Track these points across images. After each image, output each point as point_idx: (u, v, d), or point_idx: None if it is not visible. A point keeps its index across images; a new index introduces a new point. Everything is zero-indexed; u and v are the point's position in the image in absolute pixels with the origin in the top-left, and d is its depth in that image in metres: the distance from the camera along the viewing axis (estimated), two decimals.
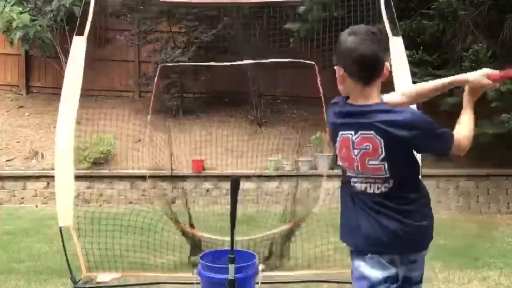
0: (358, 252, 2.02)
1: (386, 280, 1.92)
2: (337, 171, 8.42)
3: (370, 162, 1.92)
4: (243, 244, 4.69)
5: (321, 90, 4.74)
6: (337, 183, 7.39)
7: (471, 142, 1.99)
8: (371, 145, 1.89)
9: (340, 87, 2.02)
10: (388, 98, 2.06)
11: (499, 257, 5.34)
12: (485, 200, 8.25)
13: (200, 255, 3.64)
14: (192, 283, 3.62)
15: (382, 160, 1.89)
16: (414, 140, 1.87)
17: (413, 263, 1.98)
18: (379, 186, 1.94)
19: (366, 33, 1.91)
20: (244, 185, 7.99)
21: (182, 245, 4.87)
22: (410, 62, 7.90)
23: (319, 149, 8.43)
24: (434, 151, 2.31)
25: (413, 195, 1.96)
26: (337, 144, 2.01)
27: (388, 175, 1.92)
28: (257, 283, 3.42)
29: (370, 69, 1.92)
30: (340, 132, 1.98)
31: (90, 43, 4.39)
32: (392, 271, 1.92)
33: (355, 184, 1.98)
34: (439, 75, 8.08)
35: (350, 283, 4.43)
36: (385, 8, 4.48)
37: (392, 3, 4.41)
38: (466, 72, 2.13)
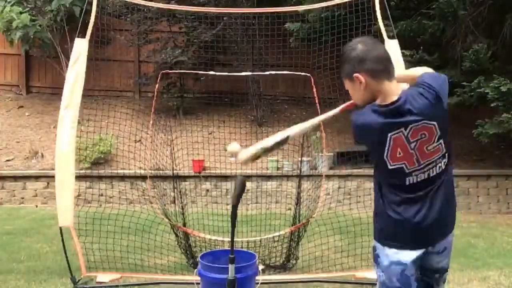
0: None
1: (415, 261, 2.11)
2: (337, 171, 8.40)
3: (429, 148, 2.00)
4: (243, 245, 4.70)
5: (317, 100, 4.78)
6: (337, 183, 7.41)
7: None
8: (426, 133, 1.98)
9: (362, 94, 2.05)
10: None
11: (499, 257, 5.34)
12: (485, 200, 8.26)
13: (200, 255, 3.64)
14: (192, 283, 3.63)
15: (439, 139, 2.00)
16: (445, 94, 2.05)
17: (445, 249, 2.17)
18: (440, 165, 2.04)
19: (371, 39, 2.09)
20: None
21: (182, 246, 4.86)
22: (410, 62, 7.94)
23: (319, 149, 8.43)
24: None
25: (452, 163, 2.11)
26: (388, 147, 1.99)
27: (445, 150, 2.04)
28: (257, 283, 3.42)
29: (389, 63, 2.04)
30: (389, 135, 1.98)
31: (90, 43, 4.40)
32: (419, 252, 2.10)
33: (417, 176, 2.02)
34: None
35: (350, 283, 4.45)
36: (380, 12, 4.47)
37: (387, 7, 4.39)
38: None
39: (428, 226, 2.02)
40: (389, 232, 2.09)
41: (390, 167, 2.01)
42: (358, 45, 2.01)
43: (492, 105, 7.36)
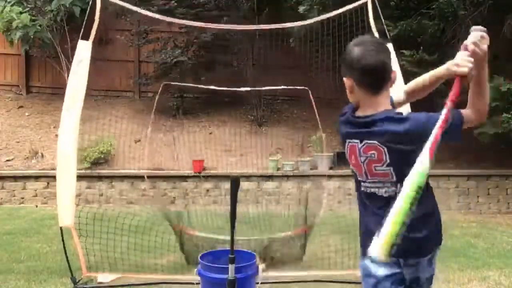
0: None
1: (390, 277, 1.95)
2: (337, 171, 8.40)
3: (377, 168, 1.96)
4: (243, 245, 4.69)
5: (316, 113, 4.80)
6: (337, 183, 7.43)
7: (485, 108, 2.00)
8: (376, 153, 1.94)
9: (350, 96, 2.05)
10: (395, 97, 2.13)
11: (499, 257, 5.34)
12: (485, 200, 8.26)
13: (200, 255, 3.64)
14: (192, 283, 3.63)
15: (388, 165, 1.94)
16: (419, 146, 1.81)
17: (417, 265, 2.00)
18: (387, 189, 1.98)
19: (372, 43, 1.97)
20: (244, 185, 7.99)
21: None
22: (410, 62, 7.96)
23: (319, 149, 8.44)
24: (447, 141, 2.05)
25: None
26: (346, 151, 2.06)
27: (395, 179, 1.94)
28: (257, 283, 3.42)
29: (379, 78, 1.96)
30: (347, 140, 2.03)
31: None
32: (396, 270, 1.95)
33: (366, 189, 2.04)
34: None
35: (350, 283, 4.45)
36: (375, 18, 4.45)
37: (380, 12, 4.38)
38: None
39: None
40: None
41: (351, 167, 2.08)
42: (355, 49, 1.95)
43: (492, 105, 7.36)
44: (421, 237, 1.97)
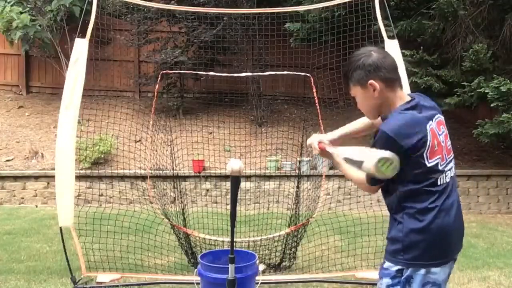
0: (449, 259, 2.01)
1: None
2: (337, 171, 8.40)
3: (448, 143, 2.04)
4: (243, 245, 4.69)
5: (316, 99, 4.80)
6: (337, 183, 7.41)
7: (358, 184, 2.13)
8: (443, 127, 2.03)
9: (371, 103, 2.05)
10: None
11: (499, 257, 5.34)
12: (485, 200, 8.26)
13: (200, 255, 3.64)
14: (192, 283, 3.62)
15: (449, 138, 2.08)
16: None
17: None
18: (453, 166, 2.06)
19: (380, 48, 2.13)
20: (244, 185, 7.99)
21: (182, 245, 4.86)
22: (410, 62, 7.96)
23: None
24: None
25: None
26: (429, 140, 1.93)
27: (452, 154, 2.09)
28: (257, 283, 3.42)
29: (399, 73, 2.09)
30: (427, 126, 1.95)
31: (90, 43, 4.39)
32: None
33: (445, 176, 1.97)
34: (439, 75, 8.10)
35: (350, 283, 4.45)
36: (380, 13, 4.47)
37: (387, 8, 4.39)
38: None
39: (458, 232, 2.03)
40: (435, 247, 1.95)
41: (428, 165, 1.92)
42: (373, 53, 2.01)
43: (492, 105, 7.36)
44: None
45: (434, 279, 1.93)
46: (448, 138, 2.05)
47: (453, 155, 2.06)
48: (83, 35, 4.31)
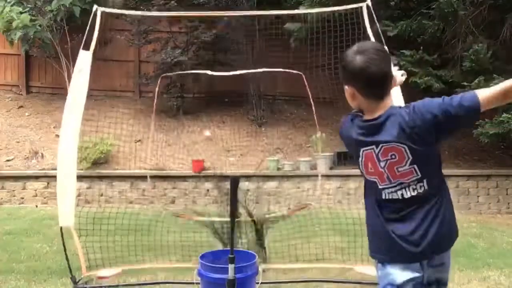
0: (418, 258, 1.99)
1: (412, 280, 1.96)
2: (337, 171, 8.40)
3: (399, 169, 1.94)
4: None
5: (310, 97, 4.82)
6: (337, 183, 7.41)
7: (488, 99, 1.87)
8: (396, 154, 1.91)
9: (351, 103, 2.02)
10: None
11: (499, 257, 5.34)
12: (485, 200, 8.26)
13: (200, 255, 3.64)
14: (192, 283, 3.62)
15: (411, 163, 1.92)
16: (434, 122, 1.85)
17: (442, 266, 2.03)
18: (415, 188, 1.95)
19: (374, 51, 1.92)
20: (244, 185, 7.98)
21: (182, 246, 4.87)
22: (410, 62, 7.96)
23: (318, 149, 8.44)
24: (463, 119, 1.92)
25: (441, 190, 2.02)
26: (361, 160, 1.99)
27: (420, 175, 1.94)
28: (257, 283, 3.42)
29: (382, 87, 1.94)
30: (362, 149, 1.98)
31: None
32: (417, 274, 1.97)
33: (389, 195, 1.98)
34: (439, 75, 8.10)
35: (350, 283, 4.44)
36: (369, 20, 4.44)
37: (375, 17, 4.36)
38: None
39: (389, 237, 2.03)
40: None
41: (366, 178, 2.04)
42: (357, 58, 1.90)
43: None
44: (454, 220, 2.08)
45: (386, 273, 1.99)
46: (405, 165, 1.92)
47: (410, 179, 1.94)
48: (86, 47, 4.31)
